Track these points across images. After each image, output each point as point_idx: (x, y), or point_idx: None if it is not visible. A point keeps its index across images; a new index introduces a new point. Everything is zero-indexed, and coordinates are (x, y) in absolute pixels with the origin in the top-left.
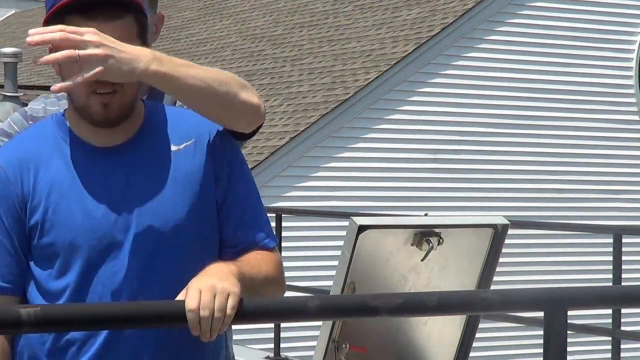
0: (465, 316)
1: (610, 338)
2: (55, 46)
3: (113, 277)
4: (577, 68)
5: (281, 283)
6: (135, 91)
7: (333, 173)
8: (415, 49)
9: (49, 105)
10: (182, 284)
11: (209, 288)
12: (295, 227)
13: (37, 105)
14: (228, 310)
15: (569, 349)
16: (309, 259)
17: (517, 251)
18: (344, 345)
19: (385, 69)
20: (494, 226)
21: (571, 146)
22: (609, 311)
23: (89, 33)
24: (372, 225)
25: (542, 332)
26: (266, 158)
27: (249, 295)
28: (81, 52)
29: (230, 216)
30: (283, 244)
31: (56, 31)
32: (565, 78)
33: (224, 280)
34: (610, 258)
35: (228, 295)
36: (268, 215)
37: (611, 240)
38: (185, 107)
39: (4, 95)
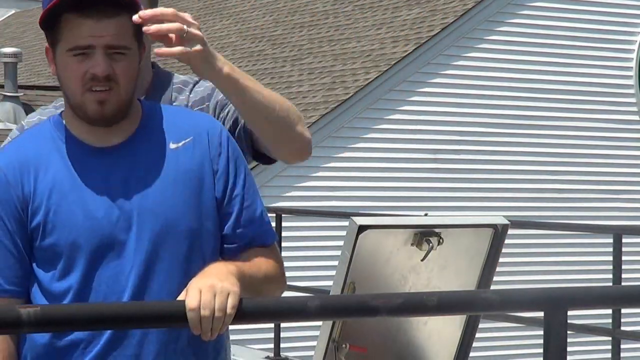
0: (465, 316)
1: (610, 338)
2: (160, 20)
3: (117, 277)
4: (577, 68)
5: (281, 280)
6: (132, 89)
7: (333, 173)
8: (415, 49)
9: (44, 115)
10: (185, 280)
11: (209, 288)
12: (295, 227)
13: (32, 118)
14: (228, 310)
15: (569, 349)
16: (309, 259)
17: (517, 251)
18: (344, 345)
19: (385, 69)
20: (494, 226)
21: (571, 146)
22: (609, 311)
23: (191, 18)
24: (372, 225)
25: (542, 332)
26: None
27: (250, 294)
28: (189, 29)
29: (229, 213)
30: (283, 244)
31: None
32: (565, 78)
33: (224, 280)
34: (610, 258)
35: (228, 294)
36: (268, 215)
37: (611, 240)
38: (245, 121)
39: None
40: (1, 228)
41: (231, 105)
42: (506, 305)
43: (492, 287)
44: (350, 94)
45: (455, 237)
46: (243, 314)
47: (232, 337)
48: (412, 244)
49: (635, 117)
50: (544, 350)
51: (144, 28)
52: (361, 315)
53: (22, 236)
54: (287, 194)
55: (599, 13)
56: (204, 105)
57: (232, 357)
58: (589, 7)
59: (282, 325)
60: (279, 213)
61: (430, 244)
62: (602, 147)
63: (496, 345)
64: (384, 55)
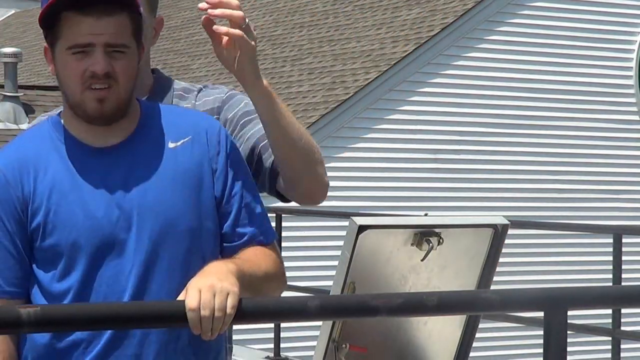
0: (465, 316)
1: (610, 338)
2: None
3: (117, 277)
4: (577, 68)
5: (281, 279)
6: (131, 88)
7: (333, 173)
8: (415, 49)
9: None
10: (185, 279)
11: (209, 287)
12: (295, 227)
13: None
14: (228, 310)
15: (569, 349)
16: (309, 259)
17: (517, 251)
18: (344, 345)
19: (385, 69)
20: (494, 226)
21: (571, 146)
22: (609, 311)
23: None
24: (372, 225)
25: (542, 332)
26: None
27: (250, 293)
28: (248, 22)
29: (229, 212)
30: (283, 244)
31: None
32: (565, 78)
33: (223, 279)
34: (610, 258)
35: (228, 294)
36: (268, 215)
37: (611, 240)
38: (271, 143)
39: (4, 95)
40: (1, 229)
41: (250, 132)
42: (506, 305)
43: (492, 287)
44: (350, 94)
45: (455, 237)
46: (243, 314)
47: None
48: (412, 244)
49: (635, 117)
50: (544, 350)
51: (210, 11)
52: (361, 315)
53: (21, 237)
54: None
55: (599, 13)
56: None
57: (232, 357)
58: (589, 7)
59: (282, 325)
60: (279, 213)
61: (430, 244)
62: (602, 147)
63: (496, 345)
64: (384, 55)
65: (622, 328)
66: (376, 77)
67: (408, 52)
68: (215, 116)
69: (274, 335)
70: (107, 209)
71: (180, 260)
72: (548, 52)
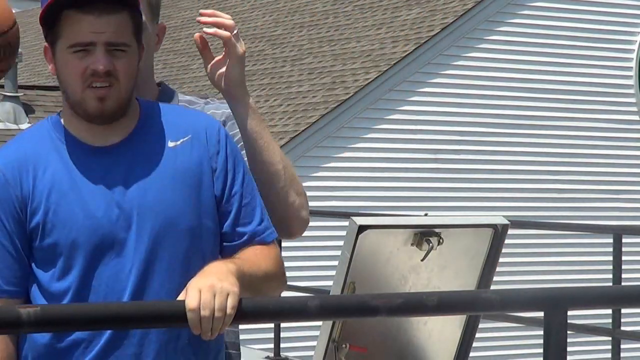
0: (465, 316)
1: (610, 338)
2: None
3: (117, 276)
4: (577, 68)
5: (282, 279)
6: (131, 87)
7: (333, 173)
8: (415, 49)
9: None
10: (185, 279)
11: (209, 288)
12: None
13: None
14: (228, 310)
15: (569, 349)
16: (309, 259)
17: (517, 251)
18: (344, 345)
19: (385, 69)
20: (494, 226)
21: (571, 146)
22: (609, 311)
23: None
24: (372, 225)
25: (542, 332)
26: None
27: (250, 292)
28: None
29: (229, 211)
30: (283, 244)
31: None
32: (565, 78)
33: (223, 280)
34: (610, 258)
35: (228, 294)
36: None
37: (611, 240)
38: (253, 165)
39: (4, 95)
40: (0, 228)
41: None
42: (506, 305)
43: (492, 287)
44: (350, 94)
45: (455, 237)
46: (243, 314)
47: None
48: (412, 244)
49: (635, 117)
50: (544, 350)
51: (204, 26)
52: (361, 315)
53: (20, 236)
54: None
55: (599, 13)
56: None
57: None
58: (589, 7)
59: (282, 325)
60: None
61: (430, 244)
62: (602, 147)
63: (496, 345)
64: (384, 55)
65: (622, 328)
66: (376, 77)
67: (408, 52)
68: None
69: (274, 335)
70: (106, 208)
71: (180, 259)
72: (548, 52)
